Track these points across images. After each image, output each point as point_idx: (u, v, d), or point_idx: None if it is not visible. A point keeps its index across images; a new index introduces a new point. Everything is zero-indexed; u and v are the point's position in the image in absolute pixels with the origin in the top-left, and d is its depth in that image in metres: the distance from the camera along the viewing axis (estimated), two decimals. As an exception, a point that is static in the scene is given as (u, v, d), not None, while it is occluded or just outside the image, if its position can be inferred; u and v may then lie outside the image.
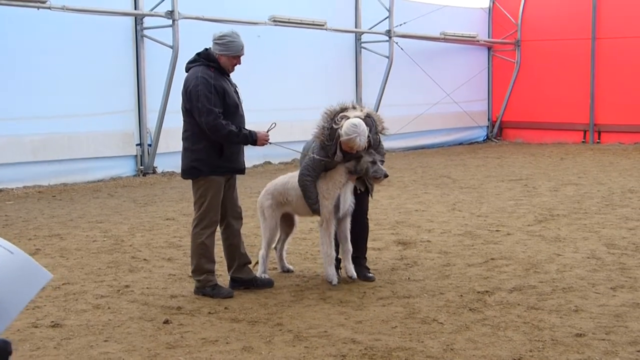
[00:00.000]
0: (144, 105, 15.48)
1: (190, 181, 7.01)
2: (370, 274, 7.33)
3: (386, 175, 6.99)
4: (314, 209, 6.97)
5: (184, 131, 6.91)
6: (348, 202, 7.05)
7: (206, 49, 6.87)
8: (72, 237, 9.47)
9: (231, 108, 6.74)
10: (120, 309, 6.45)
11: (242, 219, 7.14)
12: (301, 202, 7.12)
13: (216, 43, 6.80)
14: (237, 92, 6.91)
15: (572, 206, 11.39)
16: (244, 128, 6.78)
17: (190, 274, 7.06)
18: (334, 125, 6.83)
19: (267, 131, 6.93)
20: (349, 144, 6.74)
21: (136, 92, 15.46)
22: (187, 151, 6.86)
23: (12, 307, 2.69)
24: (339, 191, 6.96)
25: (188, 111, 6.81)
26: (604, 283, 7.03)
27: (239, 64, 6.93)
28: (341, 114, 6.86)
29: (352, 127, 6.67)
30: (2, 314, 2.63)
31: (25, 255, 2.78)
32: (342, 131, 6.71)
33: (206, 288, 6.78)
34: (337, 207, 6.97)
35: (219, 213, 6.86)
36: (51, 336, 5.75)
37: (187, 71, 6.92)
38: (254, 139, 6.77)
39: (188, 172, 6.87)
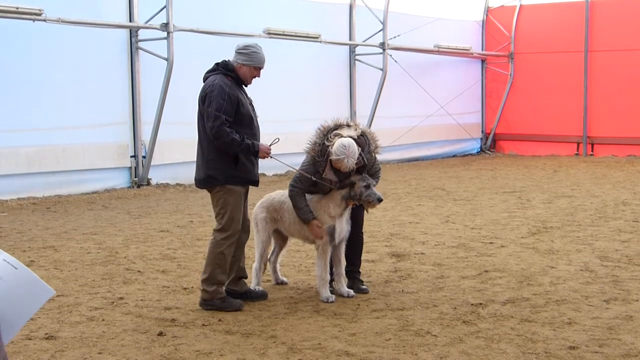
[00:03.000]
0: (138, 117, 15.49)
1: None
2: (364, 286, 7.35)
3: (380, 200, 6.96)
4: (304, 218, 6.94)
5: (200, 139, 6.82)
6: (344, 231, 7.08)
7: (225, 60, 6.88)
8: (66, 249, 9.47)
9: (246, 119, 6.73)
10: (114, 321, 6.45)
11: (249, 232, 7.15)
12: (294, 226, 7.14)
13: (239, 53, 6.81)
14: (252, 105, 6.91)
15: (566, 218, 11.42)
16: (247, 138, 6.74)
17: (200, 283, 6.89)
18: (326, 142, 6.84)
19: (270, 145, 6.93)
20: (337, 164, 6.76)
21: (131, 104, 15.48)
22: (203, 160, 6.78)
23: (16, 321, 2.72)
24: (334, 221, 6.98)
25: (204, 118, 6.76)
26: (597, 295, 7.06)
27: (259, 76, 6.95)
28: (335, 132, 6.86)
29: (342, 148, 6.65)
30: (6, 327, 2.66)
31: (28, 271, 2.81)
32: (332, 150, 6.71)
33: (215, 300, 6.72)
34: (332, 235, 6.99)
35: (240, 224, 6.84)
36: (45, 348, 5.74)
37: (204, 80, 6.89)
38: (255, 150, 6.74)
39: (204, 181, 6.80)
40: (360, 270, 7.51)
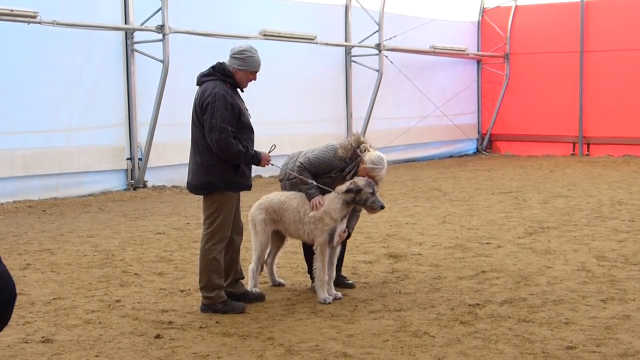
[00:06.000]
0: (134, 119, 15.46)
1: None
2: (350, 281, 7.49)
3: (382, 207, 7.04)
4: (309, 194, 7.00)
5: (197, 144, 6.72)
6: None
7: (220, 63, 6.75)
8: (63, 252, 9.45)
9: (245, 126, 6.68)
10: (111, 323, 6.43)
11: (242, 234, 7.13)
12: (294, 226, 7.13)
13: (234, 57, 6.71)
14: (246, 109, 6.87)
15: (562, 218, 11.43)
16: (251, 148, 6.72)
17: (199, 290, 6.88)
18: (357, 151, 7.04)
19: (269, 152, 6.91)
20: (372, 173, 6.94)
21: (126, 106, 15.45)
22: (201, 166, 6.68)
23: None
24: (336, 224, 6.97)
25: (202, 125, 6.66)
26: (594, 295, 7.06)
27: (255, 80, 6.87)
28: (364, 145, 7.07)
29: (380, 159, 6.95)
30: None
31: None
32: (369, 159, 6.94)
33: (217, 304, 6.69)
34: (331, 236, 7.00)
35: (230, 228, 6.81)
36: (42, 352, 5.72)
37: (199, 84, 6.77)
38: (258, 159, 6.74)
39: (202, 187, 6.71)
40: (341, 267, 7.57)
